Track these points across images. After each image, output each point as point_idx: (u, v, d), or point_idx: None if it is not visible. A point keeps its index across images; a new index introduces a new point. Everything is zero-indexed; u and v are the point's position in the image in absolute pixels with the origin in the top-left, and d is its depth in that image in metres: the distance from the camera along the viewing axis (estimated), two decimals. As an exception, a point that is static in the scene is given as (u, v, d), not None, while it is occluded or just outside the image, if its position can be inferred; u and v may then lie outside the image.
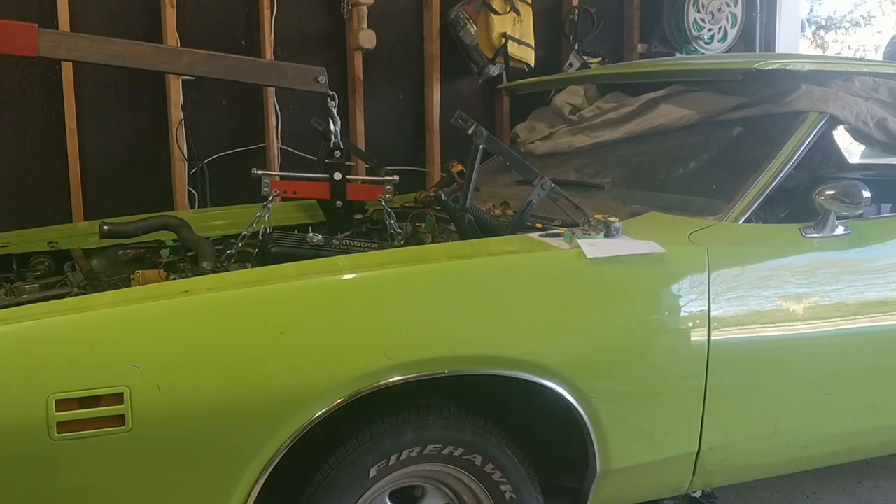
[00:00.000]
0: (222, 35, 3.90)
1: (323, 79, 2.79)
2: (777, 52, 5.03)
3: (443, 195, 2.53)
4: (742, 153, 2.61)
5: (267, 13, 3.91)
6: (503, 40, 4.19)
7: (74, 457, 1.60)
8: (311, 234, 2.40)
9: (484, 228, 2.43)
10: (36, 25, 2.52)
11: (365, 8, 4.03)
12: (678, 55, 4.76)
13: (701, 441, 2.17)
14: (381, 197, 2.76)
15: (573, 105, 3.29)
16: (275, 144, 4.00)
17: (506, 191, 2.88)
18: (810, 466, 2.59)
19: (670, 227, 2.27)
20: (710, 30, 4.75)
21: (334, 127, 2.86)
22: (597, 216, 2.19)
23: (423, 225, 2.82)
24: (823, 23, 9.12)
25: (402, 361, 1.80)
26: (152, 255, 2.70)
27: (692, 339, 2.10)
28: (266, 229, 2.53)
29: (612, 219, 2.16)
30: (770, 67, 2.49)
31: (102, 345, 1.64)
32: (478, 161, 2.43)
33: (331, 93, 2.84)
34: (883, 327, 2.42)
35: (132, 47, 2.65)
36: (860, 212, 2.33)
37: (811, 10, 8.55)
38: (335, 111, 2.87)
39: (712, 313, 2.12)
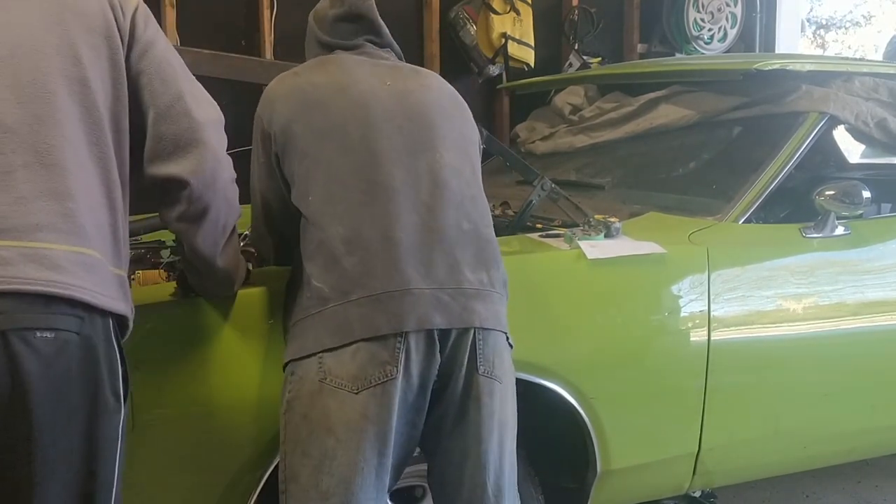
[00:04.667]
0: (222, 35, 3.89)
1: None
2: (777, 52, 5.03)
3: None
4: (742, 153, 2.61)
5: (267, 13, 3.90)
6: (503, 40, 4.19)
7: (75, 457, 1.60)
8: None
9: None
10: None
11: (365, 8, 4.03)
12: (678, 55, 4.76)
13: (701, 441, 2.17)
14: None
15: (573, 105, 3.29)
16: (275, 144, 4.00)
17: (506, 191, 2.88)
18: (810, 466, 2.59)
19: (670, 228, 2.27)
20: (709, 30, 4.75)
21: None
22: (597, 216, 2.20)
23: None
24: (823, 23, 9.12)
25: (402, 362, 1.80)
26: (152, 255, 2.69)
27: (692, 339, 2.11)
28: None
29: (613, 219, 2.17)
30: (770, 68, 2.50)
31: (103, 345, 1.64)
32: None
33: None
34: (883, 327, 2.42)
35: None
36: (860, 212, 2.33)
37: (811, 10, 8.56)
38: None
39: (712, 313, 2.12)
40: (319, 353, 1.51)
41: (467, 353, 1.56)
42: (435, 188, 1.62)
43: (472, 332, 1.56)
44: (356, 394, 1.49)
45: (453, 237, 1.59)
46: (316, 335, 1.53)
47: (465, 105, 1.86)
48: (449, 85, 1.87)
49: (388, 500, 2.01)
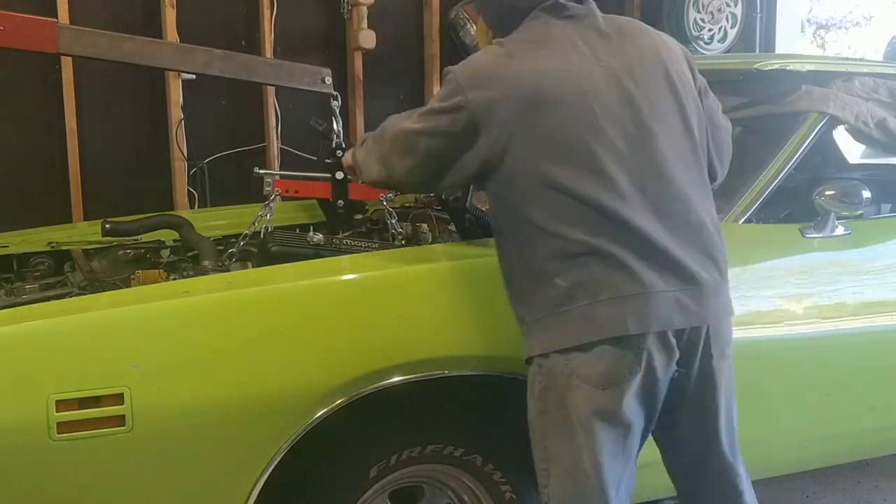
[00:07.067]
0: (222, 35, 3.89)
1: (328, 79, 2.81)
2: (777, 52, 5.03)
3: (443, 195, 2.52)
4: (742, 153, 2.60)
5: (267, 13, 3.90)
6: (503, 40, 4.18)
7: (74, 457, 1.61)
8: (311, 233, 2.40)
9: (484, 228, 2.43)
10: (55, 21, 2.51)
11: (365, 8, 4.03)
12: (678, 55, 4.75)
13: (701, 441, 2.17)
14: (382, 197, 2.75)
15: (573, 105, 3.27)
16: (275, 144, 4.00)
17: (506, 191, 2.86)
18: (810, 466, 2.59)
19: (670, 228, 2.26)
20: (709, 30, 4.75)
21: (337, 127, 2.86)
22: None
23: (425, 225, 2.82)
24: (823, 23, 9.12)
25: (402, 362, 1.81)
26: (152, 256, 2.69)
27: (692, 339, 2.10)
28: (267, 229, 2.53)
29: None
30: (770, 68, 2.49)
31: (103, 345, 1.64)
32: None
33: (334, 93, 2.85)
34: (882, 327, 2.42)
35: (150, 45, 2.65)
36: (860, 212, 2.33)
37: (811, 10, 8.55)
38: (338, 111, 2.87)
39: (712, 313, 2.12)
40: (569, 350, 1.65)
41: (702, 345, 1.73)
42: (660, 184, 1.68)
43: (707, 327, 1.72)
44: (603, 390, 1.65)
45: (683, 235, 1.69)
46: (564, 332, 1.66)
47: (680, 56, 1.88)
48: (661, 39, 1.90)
49: (388, 501, 2.02)
